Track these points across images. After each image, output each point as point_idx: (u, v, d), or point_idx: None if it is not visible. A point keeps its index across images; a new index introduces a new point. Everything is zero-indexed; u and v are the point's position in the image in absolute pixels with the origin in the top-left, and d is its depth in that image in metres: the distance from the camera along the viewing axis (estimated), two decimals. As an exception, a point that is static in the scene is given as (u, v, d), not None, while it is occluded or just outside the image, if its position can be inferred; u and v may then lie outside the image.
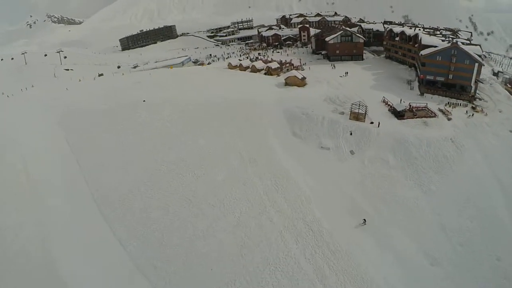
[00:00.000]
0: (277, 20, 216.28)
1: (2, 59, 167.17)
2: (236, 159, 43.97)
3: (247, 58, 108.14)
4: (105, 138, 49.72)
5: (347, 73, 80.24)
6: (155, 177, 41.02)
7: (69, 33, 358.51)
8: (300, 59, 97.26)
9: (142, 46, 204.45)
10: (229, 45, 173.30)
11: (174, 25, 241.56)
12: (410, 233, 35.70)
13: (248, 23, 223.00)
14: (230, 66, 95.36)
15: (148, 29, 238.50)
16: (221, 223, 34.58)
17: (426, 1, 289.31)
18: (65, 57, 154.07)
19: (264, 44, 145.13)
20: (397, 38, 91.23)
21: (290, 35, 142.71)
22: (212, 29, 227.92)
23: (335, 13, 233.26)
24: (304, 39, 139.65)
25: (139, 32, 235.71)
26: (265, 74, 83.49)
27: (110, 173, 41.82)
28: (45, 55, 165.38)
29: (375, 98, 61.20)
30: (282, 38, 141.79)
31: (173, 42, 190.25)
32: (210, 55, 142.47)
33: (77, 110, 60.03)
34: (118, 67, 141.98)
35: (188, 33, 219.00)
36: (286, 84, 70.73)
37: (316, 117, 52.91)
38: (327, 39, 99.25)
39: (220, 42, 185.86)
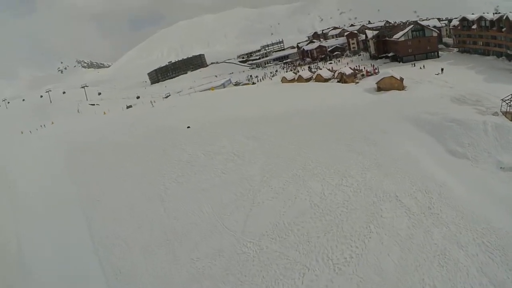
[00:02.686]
0: (308, 37, 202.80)
1: (24, 100, 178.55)
2: (397, 210, 22.74)
3: (303, 70, 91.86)
4: (124, 181, 32.09)
5: (442, 69, 62.44)
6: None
7: (97, 75, 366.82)
8: (372, 65, 79.74)
9: (172, 78, 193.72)
10: (265, 67, 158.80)
11: (203, 54, 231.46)
12: None
13: (279, 44, 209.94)
14: (285, 80, 79.43)
15: (177, 60, 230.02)
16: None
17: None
18: (99, 93, 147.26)
19: (309, 59, 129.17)
20: (473, 27, 73.40)
21: (337, 45, 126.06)
22: (242, 55, 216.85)
23: (369, 21, 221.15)
24: (353, 47, 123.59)
25: (167, 63, 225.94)
26: (338, 82, 66.55)
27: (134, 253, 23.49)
28: (64, 92, 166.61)
29: (504, 92, 42.71)
30: (329, 50, 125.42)
31: (205, 70, 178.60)
32: (251, 76, 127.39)
33: (92, 143, 43.85)
34: (137, 97, 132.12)
35: (217, 62, 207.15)
36: (380, 89, 52.41)
37: (472, 124, 33.43)
38: (395, 36, 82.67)
39: (255, 65, 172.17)
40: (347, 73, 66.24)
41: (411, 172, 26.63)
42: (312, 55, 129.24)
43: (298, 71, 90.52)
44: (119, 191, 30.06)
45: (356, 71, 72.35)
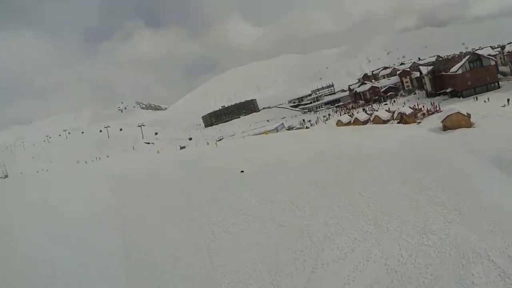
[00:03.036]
0: (358, 79, 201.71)
1: (83, 132, 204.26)
2: (491, 273, 18.50)
3: (358, 112, 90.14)
4: (169, 223, 28.73)
5: (509, 100, 57.84)
6: None
7: (154, 116, 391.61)
8: (432, 102, 76.32)
9: (225, 122, 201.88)
10: (317, 111, 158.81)
11: (255, 99, 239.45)
12: None
13: (329, 88, 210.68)
14: (341, 124, 78.09)
15: (230, 105, 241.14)
16: None
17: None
18: (156, 133, 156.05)
19: (362, 101, 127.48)
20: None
21: (390, 85, 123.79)
22: (293, 100, 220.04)
23: (419, 58, 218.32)
24: (407, 86, 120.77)
25: (221, 108, 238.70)
26: (398, 123, 63.96)
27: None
28: (121, 129, 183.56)
29: None
30: (382, 90, 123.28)
31: (257, 115, 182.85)
32: (303, 120, 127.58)
33: (142, 180, 41.33)
34: (190, 138, 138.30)
35: (269, 107, 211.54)
36: (446, 127, 49.46)
37: None
38: (452, 69, 78.93)
39: (307, 110, 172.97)
40: (407, 113, 63.70)
41: (502, 224, 21.83)
42: (365, 97, 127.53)
43: (353, 114, 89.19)
44: (163, 235, 26.65)
45: (416, 111, 69.56)
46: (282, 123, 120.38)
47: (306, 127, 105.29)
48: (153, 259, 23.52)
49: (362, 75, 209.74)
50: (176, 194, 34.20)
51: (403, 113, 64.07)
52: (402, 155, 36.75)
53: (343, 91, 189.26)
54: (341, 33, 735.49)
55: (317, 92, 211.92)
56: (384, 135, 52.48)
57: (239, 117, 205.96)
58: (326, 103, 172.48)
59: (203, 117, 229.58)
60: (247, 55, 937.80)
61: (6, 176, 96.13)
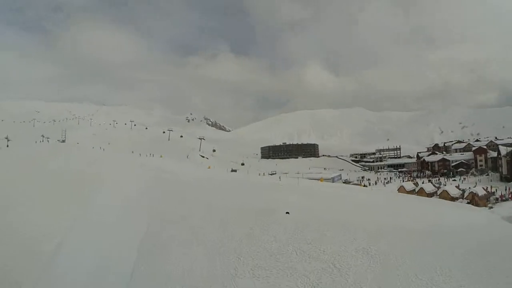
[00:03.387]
0: (428, 148, 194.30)
1: (147, 128, 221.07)
2: None
3: (423, 182, 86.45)
4: (192, 250, 24.53)
5: None
6: None
7: (217, 134, 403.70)
8: (508, 188, 71.12)
9: (282, 158, 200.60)
10: (378, 171, 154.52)
11: (317, 144, 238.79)
12: None
13: (396, 151, 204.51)
14: (403, 190, 75.18)
15: (291, 143, 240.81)
16: None
17: None
18: (214, 150, 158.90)
19: (428, 172, 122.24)
20: None
21: (463, 160, 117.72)
22: (355, 154, 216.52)
23: (496, 137, 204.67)
24: (480, 165, 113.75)
25: (282, 144, 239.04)
26: (468, 203, 60.31)
27: None
28: (181, 136, 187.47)
29: None
30: (452, 165, 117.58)
31: (315, 160, 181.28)
32: (362, 177, 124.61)
33: (182, 190, 36.88)
34: (242, 164, 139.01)
35: (329, 155, 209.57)
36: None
37: None
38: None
39: (368, 167, 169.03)
40: (479, 194, 60.20)
41: None
42: (432, 168, 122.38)
43: (417, 183, 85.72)
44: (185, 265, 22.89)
45: (489, 193, 65.39)
46: (340, 175, 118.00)
47: (364, 185, 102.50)
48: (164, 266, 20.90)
49: (433, 145, 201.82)
50: (210, 220, 27.63)
51: (475, 193, 60.49)
52: (473, 242, 33.96)
53: (409, 157, 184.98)
54: (417, 98, 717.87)
55: (381, 152, 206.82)
56: (451, 213, 49.75)
57: (297, 158, 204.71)
58: (389, 165, 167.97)
59: (262, 148, 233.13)
60: (319, 100, 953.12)
61: (64, 141, 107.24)
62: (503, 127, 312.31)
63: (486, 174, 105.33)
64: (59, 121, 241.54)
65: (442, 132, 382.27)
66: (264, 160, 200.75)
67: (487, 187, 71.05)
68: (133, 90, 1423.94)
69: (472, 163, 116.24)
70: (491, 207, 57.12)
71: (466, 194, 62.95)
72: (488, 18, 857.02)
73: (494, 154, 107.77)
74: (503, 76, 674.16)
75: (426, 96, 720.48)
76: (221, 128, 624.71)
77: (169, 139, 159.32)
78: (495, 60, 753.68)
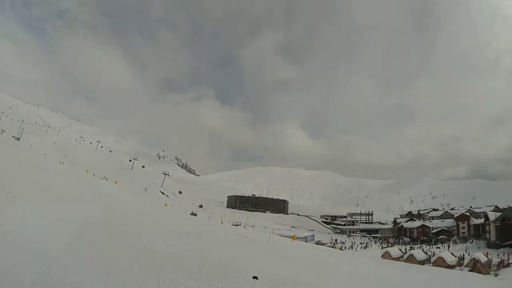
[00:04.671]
0: (401, 215, 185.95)
1: (110, 151, 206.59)
2: None
3: (411, 249, 74.83)
4: None
5: None
6: None
7: (185, 176, 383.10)
8: (506, 253, 61.25)
9: (249, 210, 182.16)
10: (351, 235, 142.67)
11: (288, 201, 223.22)
12: None
13: (368, 216, 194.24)
14: (388, 256, 62.96)
15: (261, 196, 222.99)
16: None
17: None
18: (180, 192, 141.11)
19: (406, 239, 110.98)
20: None
21: (444, 227, 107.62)
22: (326, 216, 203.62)
23: (470, 207, 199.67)
24: (463, 233, 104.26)
25: (251, 195, 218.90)
26: (469, 271, 48.89)
27: None
28: (143, 166, 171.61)
29: None
30: (433, 232, 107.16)
31: (284, 217, 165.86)
32: (336, 240, 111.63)
33: (128, 230, 23.94)
34: (200, 206, 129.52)
35: (298, 214, 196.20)
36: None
37: None
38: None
39: (339, 231, 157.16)
40: (482, 261, 48.97)
41: None
42: (411, 234, 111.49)
43: (405, 249, 74.40)
44: None
45: (489, 260, 54.78)
46: (313, 235, 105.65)
47: (340, 248, 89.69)
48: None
49: (406, 212, 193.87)
50: (156, 267, 17.96)
51: (477, 259, 49.14)
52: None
53: (381, 223, 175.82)
54: (389, 167, 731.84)
55: (353, 216, 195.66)
56: (468, 286, 37.57)
57: (265, 212, 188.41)
58: (362, 230, 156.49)
59: (229, 197, 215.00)
60: (294, 159, 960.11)
61: (18, 139, 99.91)
62: (474, 198, 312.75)
63: (470, 241, 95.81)
64: (28, 123, 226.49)
65: (412, 201, 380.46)
66: (230, 209, 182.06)
67: (487, 253, 60.50)
68: (111, 115, 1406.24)
69: (454, 230, 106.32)
70: (496, 274, 46.60)
71: (466, 261, 51.54)
72: (467, 102, 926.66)
73: (477, 221, 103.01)
74: (475, 152, 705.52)
75: (398, 166, 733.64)
76: (191, 171, 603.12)
77: (131, 168, 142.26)
78: (468, 138, 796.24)
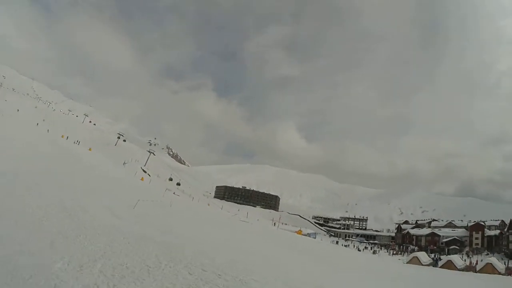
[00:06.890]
0: (397, 224, 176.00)
1: (95, 124, 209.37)
2: None
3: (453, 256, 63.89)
4: None
5: None
6: None
7: (174, 163, 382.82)
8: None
9: (238, 203, 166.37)
10: (347, 239, 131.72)
11: (280, 198, 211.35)
12: None
13: (362, 222, 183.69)
14: (416, 262, 51.84)
15: (253, 189, 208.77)
16: None
17: None
18: (171, 179, 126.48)
19: (412, 246, 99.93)
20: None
21: (456, 237, 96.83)
22: (319, 217, 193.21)
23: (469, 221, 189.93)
24: (476, 244, 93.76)
25: (242, 187, 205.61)
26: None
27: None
28: (124, 140, 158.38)
29: None
30: (443, 241, 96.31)
31: (275, 214, 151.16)
32: (336, 242, 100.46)
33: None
34: (178, 184, 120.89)
35: (288, 212, 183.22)
36: None
37: None
38: None
39: (333, 233, 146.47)
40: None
41: None
42: (418, 242, 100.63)
43: (435, 256, 63.92)
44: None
45: None
46: (315, 233, 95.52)
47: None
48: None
49: (403, 221, 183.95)
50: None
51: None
52: None
53: (376, 231, 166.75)
54: (380, 177, 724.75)
55: (346, 220, 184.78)
56: None
57: (254, 206, 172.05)
58: (357, 235, 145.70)
59: (218, 187, 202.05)
60: (287, 160, 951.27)
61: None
62: (464, 215, 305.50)
63: (485, 253, 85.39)
64: (20, 93, 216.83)
65: (402, 213, 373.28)
66: (218, 200, 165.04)
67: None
68: (107, 95, 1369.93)
69: (466, 240, 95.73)
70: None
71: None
72: (465, 120, 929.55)
73: (491, 232, 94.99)
74: (468, 170, 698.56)
75: (390, 176, 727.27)
76: (181, 162, 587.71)
77: (116, 144, 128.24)
78: (463, 156, 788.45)
